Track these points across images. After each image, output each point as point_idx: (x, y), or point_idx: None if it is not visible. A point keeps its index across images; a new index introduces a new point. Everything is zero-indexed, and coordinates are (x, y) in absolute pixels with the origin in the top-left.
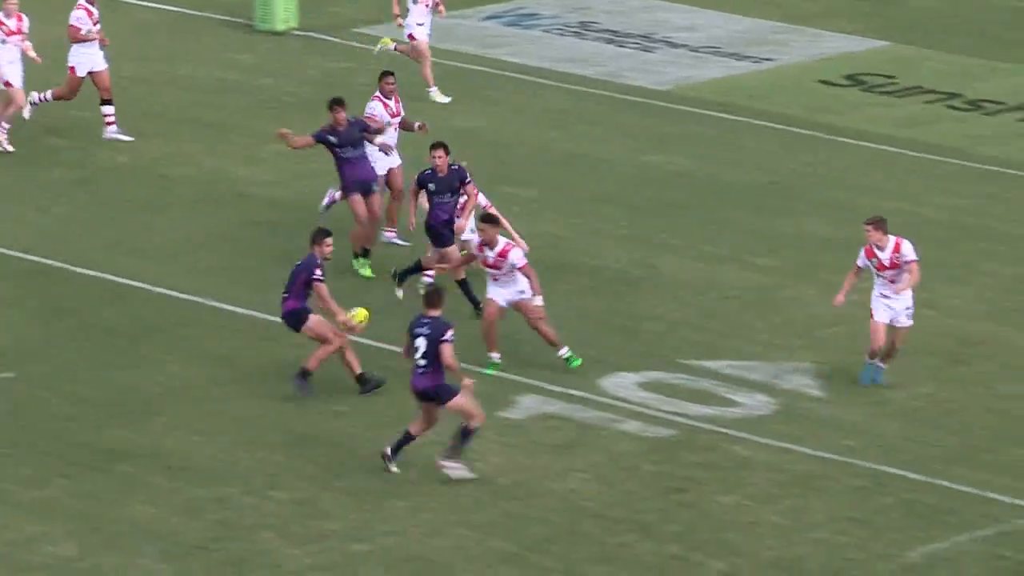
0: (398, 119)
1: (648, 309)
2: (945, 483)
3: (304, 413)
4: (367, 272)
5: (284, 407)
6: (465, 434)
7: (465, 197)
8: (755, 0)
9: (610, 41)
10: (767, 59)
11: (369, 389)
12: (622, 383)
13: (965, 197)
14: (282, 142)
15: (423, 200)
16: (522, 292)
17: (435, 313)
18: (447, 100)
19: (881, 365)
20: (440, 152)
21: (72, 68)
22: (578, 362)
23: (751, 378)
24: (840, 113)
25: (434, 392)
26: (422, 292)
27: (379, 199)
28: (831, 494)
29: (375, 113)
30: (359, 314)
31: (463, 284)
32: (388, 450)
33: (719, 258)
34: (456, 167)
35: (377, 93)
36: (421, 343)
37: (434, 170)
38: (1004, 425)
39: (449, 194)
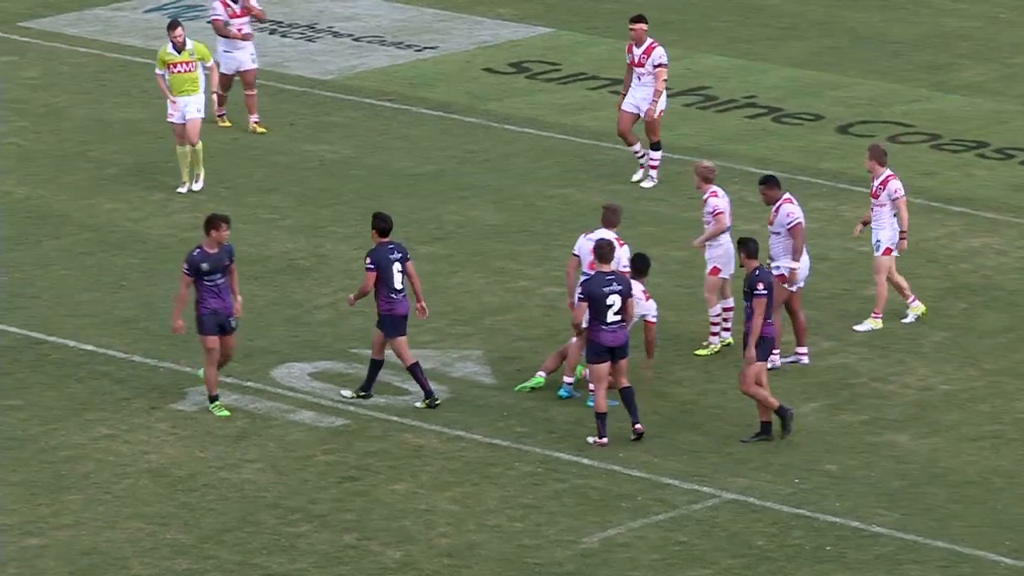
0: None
1: (317, 298)
2: (618, 468)
3: None
4: None
5: None
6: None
7: None
8: None
9: (274, 32)
10: (429, 47)
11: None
12: (294, 373)
13: (627, 183)
14: None
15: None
16: None
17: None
18: None
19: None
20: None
21: None
22: None
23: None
24: (504, 100)
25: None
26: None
27: None
28: (504, 480)
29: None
30: None
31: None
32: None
33: None
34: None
35: None
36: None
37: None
38: (673, 410)
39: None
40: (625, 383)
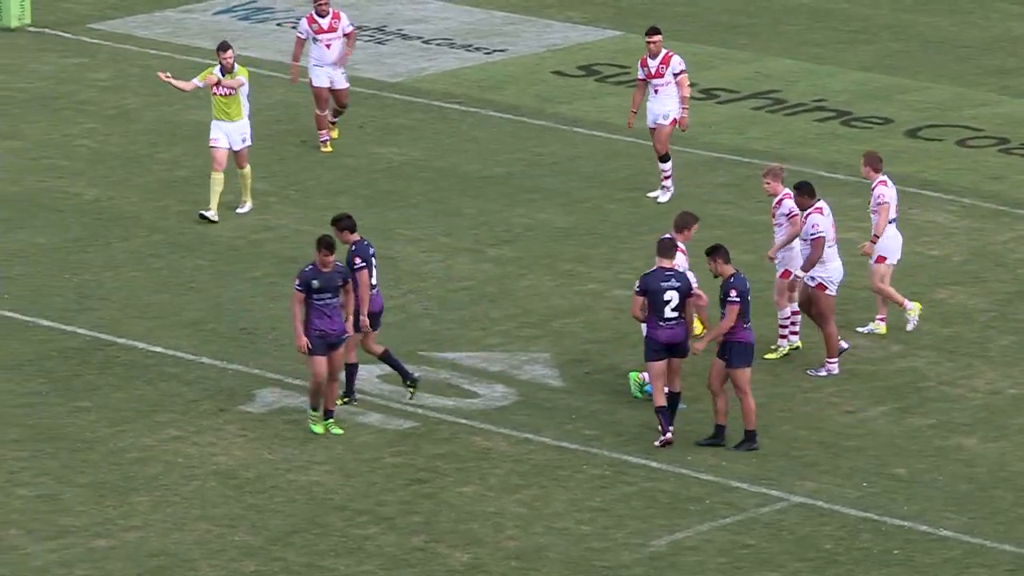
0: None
1: (385, 300)
2: (686, 471)
3: (46, 408)
4: None
5: (25, 403)
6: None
7: None
8: None
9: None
10: (499, 50)
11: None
12: (362, 375)
13: (700, 186)
14: None
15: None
16: None
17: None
18: None
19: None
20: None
21: None
22: None
23: (490, 369)
24: (572, 103)
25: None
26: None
27: None
28: (572, 483)
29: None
30: None
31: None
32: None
33: (455, 249)
34: None
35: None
36: (673, 296)
37: None
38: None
39: None
40: (676, 387)
